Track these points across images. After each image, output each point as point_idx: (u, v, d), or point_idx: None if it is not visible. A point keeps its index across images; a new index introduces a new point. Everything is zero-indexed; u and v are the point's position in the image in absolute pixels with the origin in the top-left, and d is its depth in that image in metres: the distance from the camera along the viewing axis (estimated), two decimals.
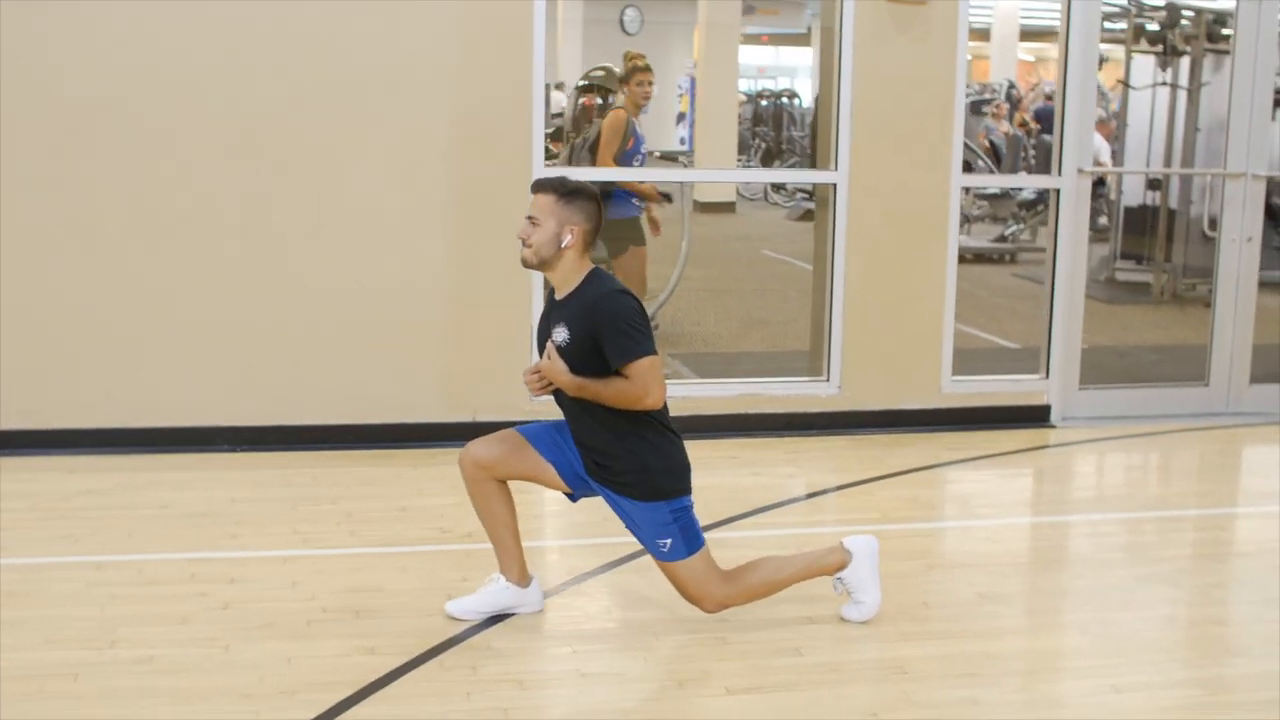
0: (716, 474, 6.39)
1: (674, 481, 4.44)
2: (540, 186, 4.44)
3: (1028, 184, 14.54)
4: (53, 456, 6.41)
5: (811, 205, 16.59)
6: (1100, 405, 7.53)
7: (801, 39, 30.74)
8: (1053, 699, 4.20)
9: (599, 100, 11.05)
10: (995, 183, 15.46)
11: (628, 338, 4.27)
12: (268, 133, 6.46)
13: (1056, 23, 7.24)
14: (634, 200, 8.19)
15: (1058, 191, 7.33)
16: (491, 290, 6.68)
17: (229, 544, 5.38)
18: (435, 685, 4.17)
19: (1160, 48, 11.75)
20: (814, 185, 11.83)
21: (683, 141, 28.13)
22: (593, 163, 8.08)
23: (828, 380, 7.09)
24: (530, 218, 4.39)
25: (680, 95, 29.03)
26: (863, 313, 7.05)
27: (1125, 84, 12.19)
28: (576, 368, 4.34)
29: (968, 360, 7.27)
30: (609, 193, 7.97)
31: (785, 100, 21.70)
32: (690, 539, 4.45)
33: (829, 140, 7.03)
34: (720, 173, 7.49)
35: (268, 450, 6.56)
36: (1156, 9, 11.69)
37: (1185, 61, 11.69)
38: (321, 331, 6.60)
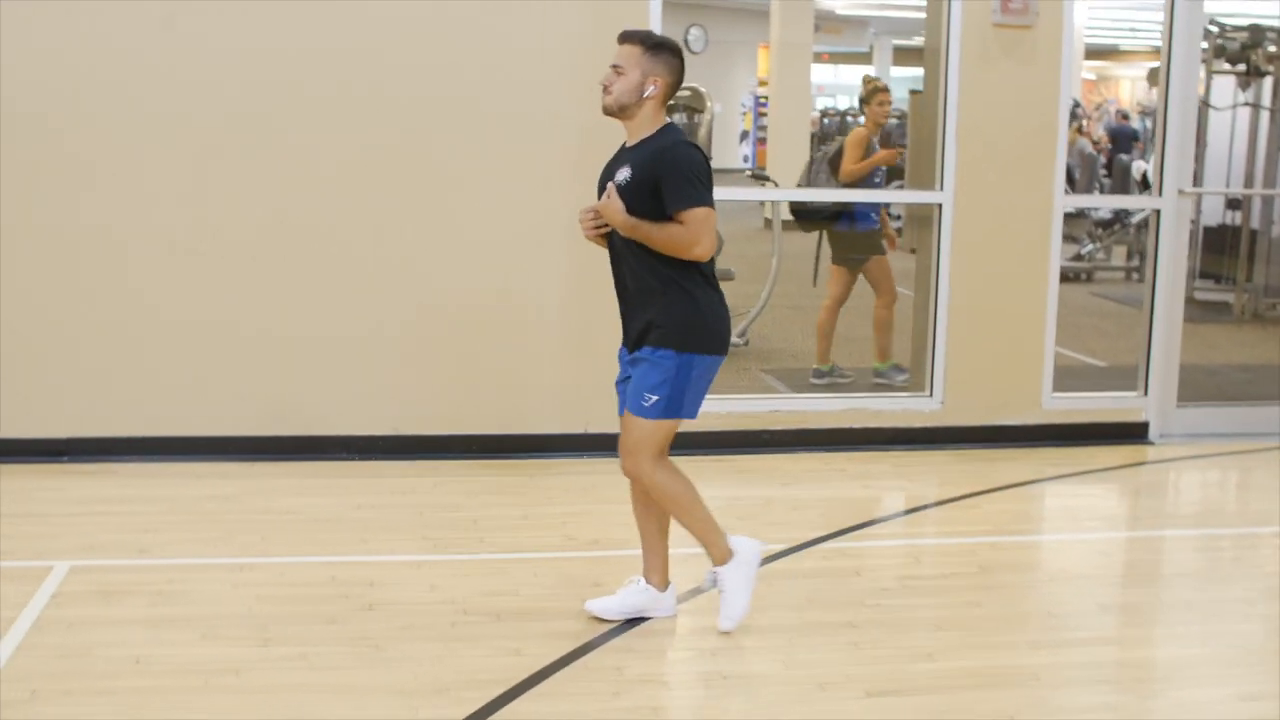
0: (828, 486, 6.53)
1: (697, 338, 4.44)
2: (627, 37, 4.50)
3: (1130, 204, 14.56)
4: (175, 463, 6.59)
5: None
6: (1197, 422, 7.59)
7: (863, 58, 30.83)
8: (1187, 705, 4.30)
9: (685, 120, 11.21)
10: (1100, 203, 15.48)
11: (689, 184, 4.33)
12: (396, 147, 6.64)
13: (1120, 42, 7.33)
14: (873, 215, 8.60)
15: (1158, 212, 7.41)
16: (608, 304, 6.81)
17: (362, 549, 5.55)
18: (583, 685, 4.32)
19: (1243, 67, 11.80)
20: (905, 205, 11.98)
21: (745, 159, 28.31)
22: (833, 175, 8.49)
23: (930, 396, 7.20)
24: (615, 66, 4.46)
25: (744, 113, 29.24)
26: (965, 330, 7.15)
27: (1206, 104, 12.25)
28: (633, 208, 4.39)
29: (1060, 378, 7.37)
30: (852, 212, 8.48)
31: (850, 119, 21.77)
32: (672, 404, 4.47)
33: (933, 161, 7.15)
34: (833, 193, 7.62)
35: (384, 459, 6.73)
36: (1239, 29, 11.74)
37: (1268, 82, 11.73)
38: (442, 343, 6.77)
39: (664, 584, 4.82)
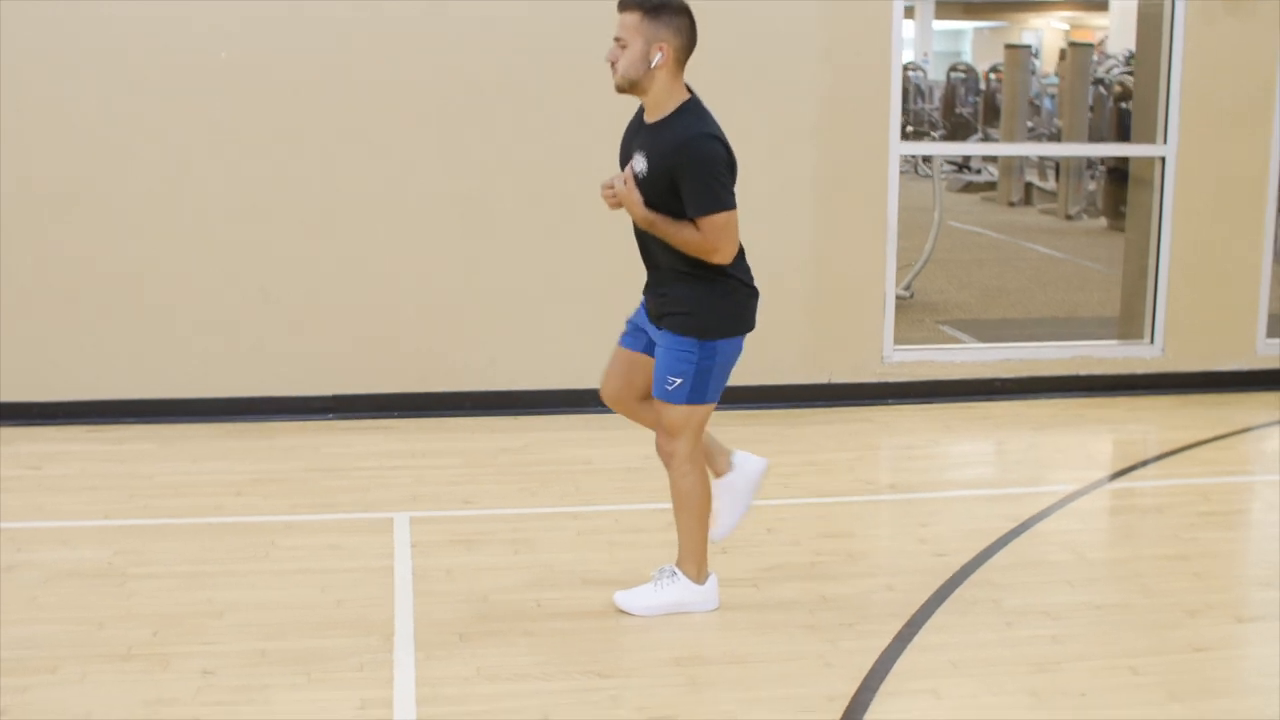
0: (1079, 431, 6.78)
1: (718, 323, 4.27)
2: (625, 5, 4.13)
3: None
4: (449, 418, 6.83)
5: (973, 178, 16.92)
6: None
7: (908, 11, 30.88)
8: None
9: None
10: None
11: (707, 188, 4.07)
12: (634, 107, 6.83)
13: None
14: None
15: None
16: (848, 261, 7.08)
17: (667, 496, 5.76)
18: (970, 618, 4.55)
19: None
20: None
21: None
22: None
23: (1151, 343, 7.46)
24: (617, 38, 4.13)
25: None
26: (1184, 279, 7.41)
27: None
28: (652, 201, 4.16)
29: (1274, 325, 7.62)
30: None
31: (911, 73, 21.96)
32: (698, 389, 4.30)
33: (1154, 116, 7.39)
34: (1035, 146, 7.74)
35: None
36: None
37: None
38: None
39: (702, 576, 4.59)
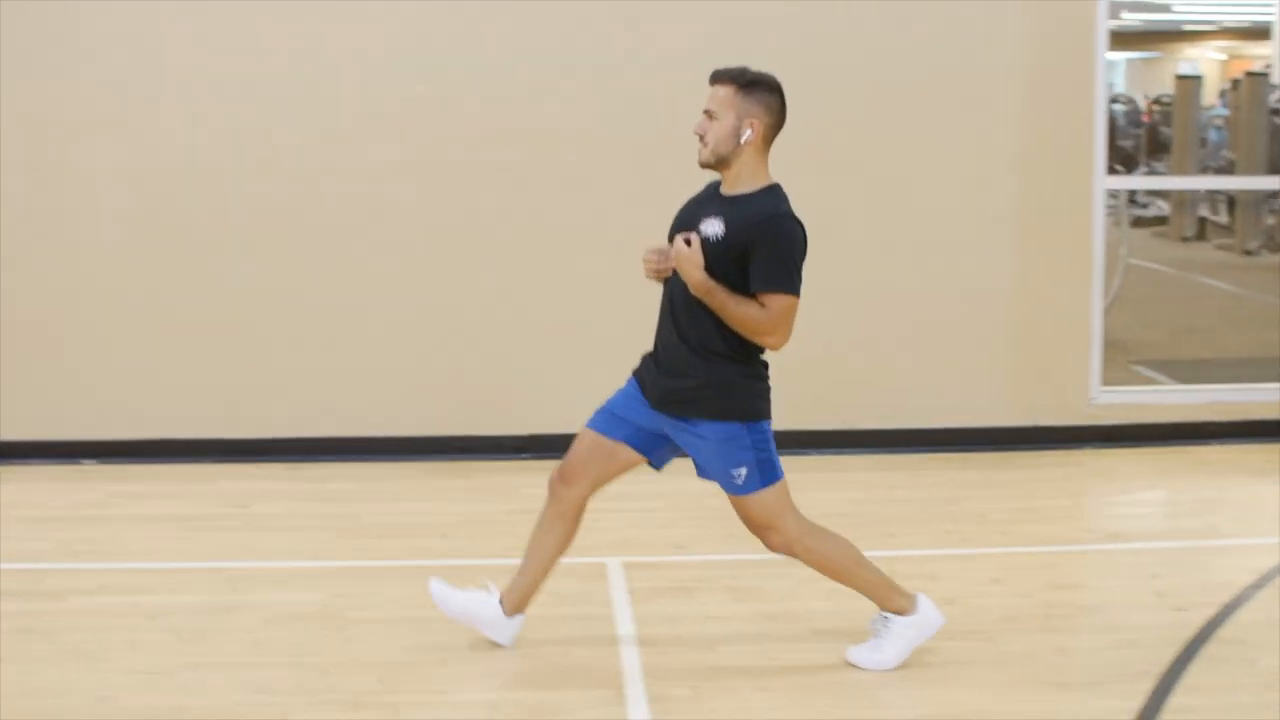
0: None
1: (755, 402, 4.16)
2: (718, 77, 4.10)
3: None
4: None
5: (1140, 212, 16.50)
6: None
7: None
8: None
9: None
10: None
11: (783, 268, 3.99)
12: (836, 138, 6.73)
13: None
14: None
15: None
16: (1052, 298, 6.89)
17: (890, 543, 5.62)
18: (1223, 679, 4.32)
19: None
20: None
21: None
22: None
23: None
24: (707, 111, 4.08)
25: None
26: None
27: None
28: (713, 269, 4.00)
29: None
30: None
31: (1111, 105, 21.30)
32: (767, 470, 4.17)
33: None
34: (1214, 180, 7.72)
35: (835, 453, 6.84)
36: None
37: None
38: (891, 336, 6.85)
39: (515, 610, 4.47)
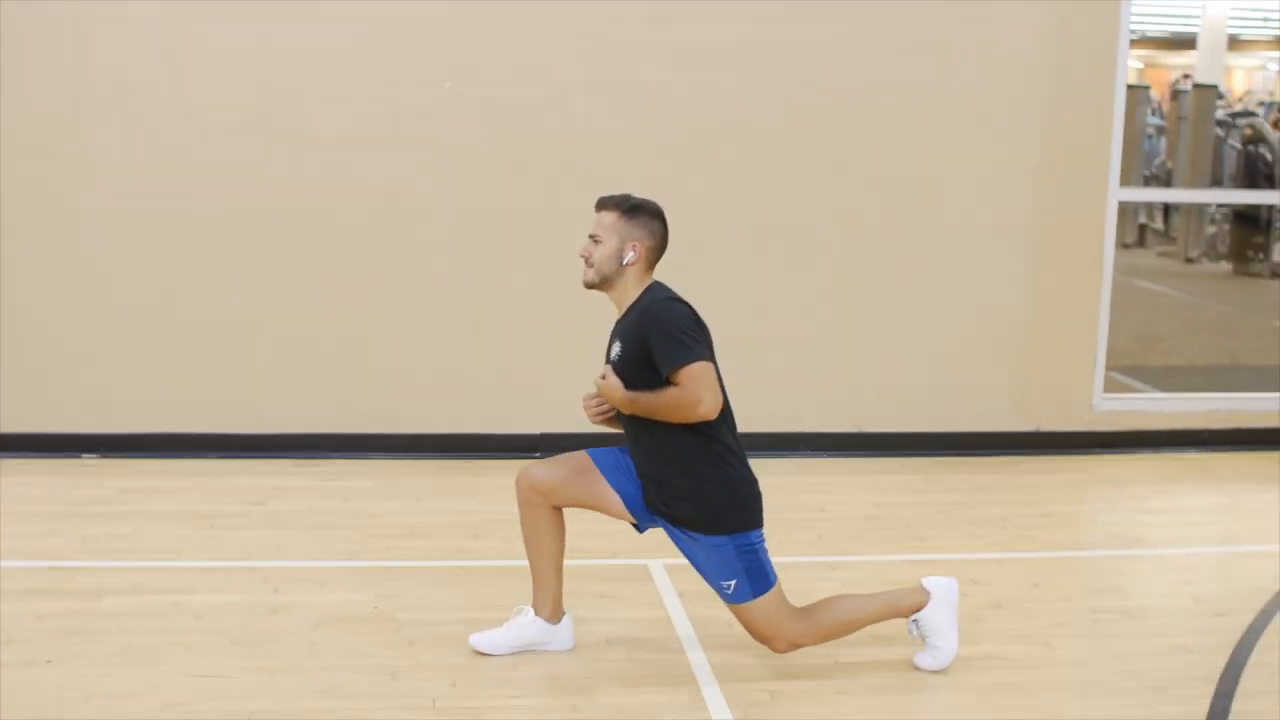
0: None
1: (738, 514, 4.23)
2: (603, 204, 4.30)
3: None
4: None
5: None
6: None
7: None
8: None
9: None
10: None
11: (677, 342, 4.09)
12: (860, 148, 6.80)
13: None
14: None
15: None
16: (1062, 306, 7.00)
17: (922, 546, 5.69)
18: (1274, 684, 4.44)
19: None
20: None
21: None
22: None
23: None
24: (592, 235, 4.26)
25: None
26: None
27: None
28: (630, 381, 4.17)
29: None
30: None
31: None
32: (757, 580, 4.24)
33: None
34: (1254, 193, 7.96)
35: (850, 456, 6.91)
36: None
37: None
38: (903, 342, 6.92)
39: (555, 615, 4.54)
